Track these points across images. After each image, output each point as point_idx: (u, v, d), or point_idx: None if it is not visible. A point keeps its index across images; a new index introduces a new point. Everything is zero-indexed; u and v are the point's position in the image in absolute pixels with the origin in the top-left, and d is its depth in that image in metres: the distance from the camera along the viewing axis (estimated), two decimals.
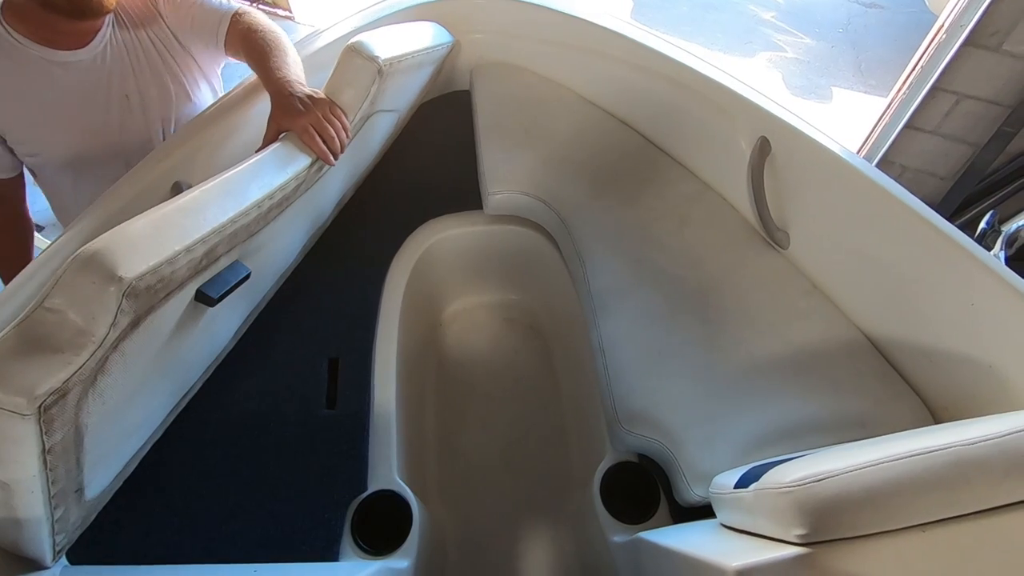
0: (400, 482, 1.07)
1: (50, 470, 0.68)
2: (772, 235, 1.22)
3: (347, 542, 1.00)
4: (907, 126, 2.36)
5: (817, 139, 1.13)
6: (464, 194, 1.47)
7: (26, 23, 1.02)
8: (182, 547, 0.97)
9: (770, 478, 0.69)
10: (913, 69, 2.29)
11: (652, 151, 1.47)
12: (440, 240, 1.44)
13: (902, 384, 1.05)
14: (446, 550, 1.25)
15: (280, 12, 3.52)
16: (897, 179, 1.06)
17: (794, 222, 1.21)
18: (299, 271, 1.30)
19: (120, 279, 0.64)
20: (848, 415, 1.00)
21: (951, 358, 0.97)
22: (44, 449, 0.64)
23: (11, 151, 1.11)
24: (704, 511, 0.97)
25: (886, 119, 2.45)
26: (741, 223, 1.31)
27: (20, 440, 0.62)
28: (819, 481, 0.63)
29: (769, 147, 1.18)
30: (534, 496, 1.36)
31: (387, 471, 1.08)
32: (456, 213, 1.47)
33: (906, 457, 0.62)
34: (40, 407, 0.60)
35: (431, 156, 1.54)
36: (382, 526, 1.03)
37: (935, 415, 1.01)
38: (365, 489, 1.06)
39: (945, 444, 0.63)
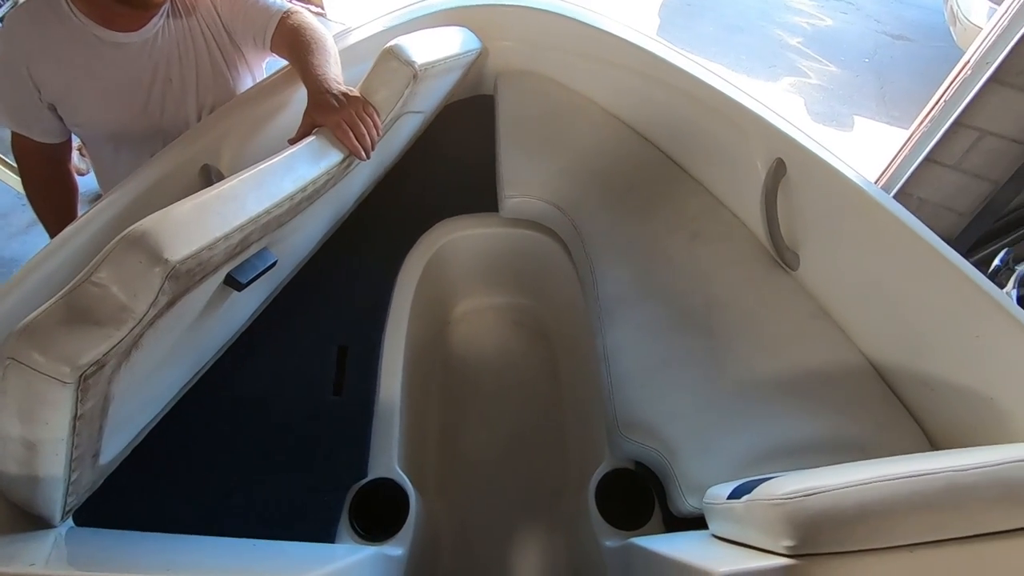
0: (399, 472, 1.09)
1: (76, 435, 0.70)
2: (782, 255, 1.23)
3: (344, 526, 1.02)
4: (927, 159, 2.35)
5: (833, 164, 1.14)
6: (480, 196, 1.50)
7: (87, 2, 1.08)
8: (183, 517, 0.99)
9: (762, 491, 0.70)
10: (936, 103, 2.29)
11: (669, 165, 1.49)
12: (454, 240, 1.47)
13: (902, 411, 1.05)
14: (440, 544, 1.27)
15: (312, 8, 3.59)
16: (915, 212, 1.07)
17: (805, 244, 1.22)
18: (315, 260, 1.33)
19: (165, 261, 0.67)
20: (847, 438, 1.01)
21: (953, 389, 0.97)
22: (76, 415, 0.67)
23: (61, 119, 1.17)
24: (697, 522, 0.98)
25: (906, 151, 2.45)
26: (752, 241, 1.32)
27: (56, 405, 0.65)
28: (811, 495, 0.64)
29: (784, 169, 1.20)
30: (530, 497, 1.37)
31: (388, 460, 1.10)
32: (471, 214, 1.50)
33: (899, 478, 0.63)
34: (81, 376, 0.63)
35: (451, 157, 1.57)
36: (379, 513, 1.05)
37: (934, 444, 1.01)
38: (365, 476, 1.08)
39: (939, 468, 0.64)
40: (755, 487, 0.73)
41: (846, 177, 1.13)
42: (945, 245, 1.00)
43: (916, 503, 0.62)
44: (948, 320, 0.99)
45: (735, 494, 0.76)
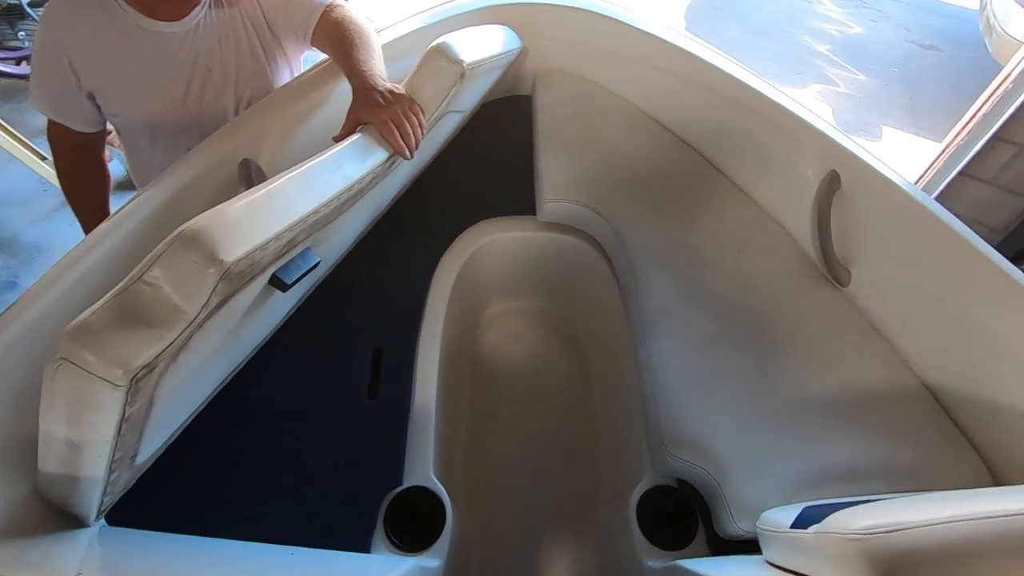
0: (435, 480, 1.07)
1: (121, 437, 0.68)
2: (833, 271, 1.20)
3: (379, 535, 0.99)
4: (961, 173, 2.31)
5: (891, 178, 1.11)
6: (517, 198, 1.47)
7: None
8: (214, 520, 0.97)
9: (835, 522, 0.66)
10: (973, 116, 2.24)
11: (711, 172, 1.46)
12: (490, 242, 1.44)
13: (960, 438, 1.02)
14: (469, 555, 1.24)
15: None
16: None
17: (857, 259, 1.18)
18: (350, 261, 1.31)
19: (221, 262, 0.64)
20: (902, 464, 0.97)
21: (1020, 418, 0.94)
22: (123, 417, 0.65)
23: (98, 108, 1.15)
24: (742, 545, 0.95)
25: (939, 164, 2.40)
26: (799, 254, 1.28)
27: (106, 407, 0.63)
28: (892, 532, 0.61)
29: (839, 182, 1.16)
30: (559, 508, 1.34)
31: (424, 467, 1.07)
32: (508, 216, 1.47)
33: (984, 518, 0.60)
34: (132, 379, 0.61)
35: (488, 157, 1.54)
36: (413, 522, 1.03)
37: (995, 475, 0.98)
38: (400, 483, 1.05)
39: None
40: (823, 516, 0.69)
41: (903, 191, 1.10)
42: (1014, 267, 0.96)
43: (1006, 546, 0.58)
44: (1014, 343, 0.95)
45: (800, 522, 0.73)
